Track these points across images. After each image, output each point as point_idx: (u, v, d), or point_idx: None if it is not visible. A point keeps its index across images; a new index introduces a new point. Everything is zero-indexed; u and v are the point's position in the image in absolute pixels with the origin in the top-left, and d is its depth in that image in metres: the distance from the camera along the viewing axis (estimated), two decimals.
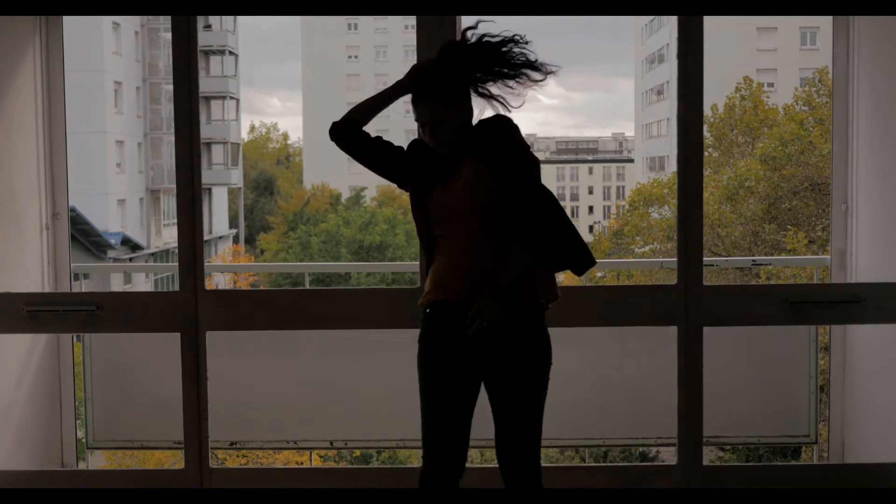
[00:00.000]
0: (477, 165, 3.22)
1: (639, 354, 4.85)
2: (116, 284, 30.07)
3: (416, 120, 3.28)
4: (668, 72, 46.65)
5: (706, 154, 21.41)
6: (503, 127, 3.25)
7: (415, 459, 10.62)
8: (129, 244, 31.77)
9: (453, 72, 3.24)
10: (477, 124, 3.30)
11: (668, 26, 45.59)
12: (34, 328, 4.59)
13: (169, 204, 36.71)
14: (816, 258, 5.86)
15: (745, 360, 4.87)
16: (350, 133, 3.31)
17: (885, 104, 4.66)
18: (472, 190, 3.21)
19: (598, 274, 19.10)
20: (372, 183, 48.98)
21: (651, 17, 48.65)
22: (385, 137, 3.38)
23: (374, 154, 3.34)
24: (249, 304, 4.64)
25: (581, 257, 3.36)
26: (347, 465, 12.68)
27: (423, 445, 3.31)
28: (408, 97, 3.34)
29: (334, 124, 3.33)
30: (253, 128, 63.88)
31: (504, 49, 3.26)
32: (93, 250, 26.56)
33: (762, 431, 4.95)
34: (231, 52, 42.26)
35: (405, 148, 3.41)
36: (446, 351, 3.25)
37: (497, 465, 3.36)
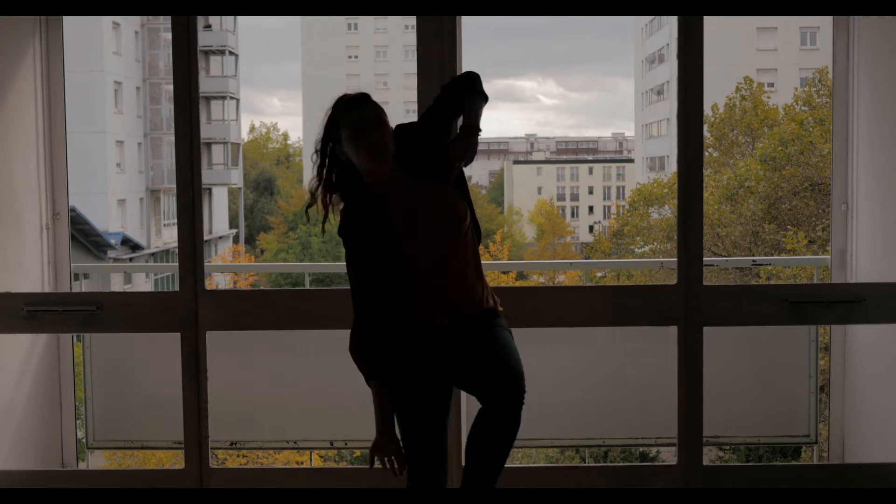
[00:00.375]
0: (437, 184, 3.23)
1: (639, 354, 4.85)
2: (116, 284, 30.07)
3: (353, 126, 3.14)
4: (668, 72, 46.67)
5: (706, 154, 21.40)
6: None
7: None
8: (129, 244, 31.77)
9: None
10: (403, 144, 3.26)
11: (668, 26, 45.60)
12: (34, 328, 4.59)
13: (169, 204, 36.72)
14: (816, 258, 5.86)
15: (745, 360, 4.87)
16: (374, 329, 3.17)
17: (885, 104, 4.66)
18: (448, 209, 3.22)
19: (599, 274, 19.13)
20: None
21: (651, 17, 48.65)
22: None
23: (389, 277, 3.18)
24: (249, 304, 4.63)
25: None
26: (347, 465, 12.68)
27: (407, 462, 3.27)
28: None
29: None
30: (253, 128, 63.95)
31: None
32: (93, 250, 26.56)
33: (762, 431, 4.95)
34: (231, 52, 42.25)
35: (365, 251, 3.18)
36: (422, 372, 3.22)
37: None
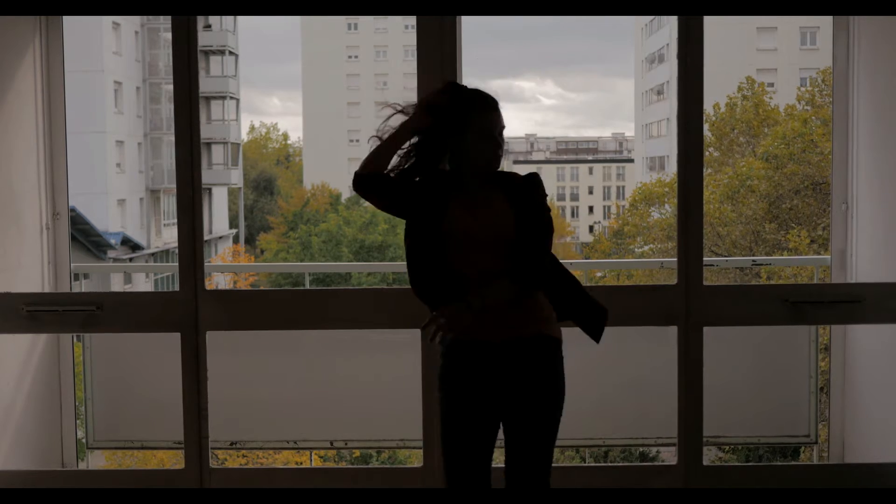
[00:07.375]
0: (504, 203, 3.18)
1: (639, 354, 4.85)
2: (116, 284, 30.07)
3: (482, 130, 3.16)
4: (668, 72, 46.66)
5: (707, 153, 21.39)
6: (539, 184, 3.25)
7: (415, 459, 10.62)
8: (129, 244, 31.77)
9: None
10: (511, 173, 3.26)
11: (668, 26, 45.60)
12: (34, 328, 4.59)
13: (169, 204, 36.72)
14: (816, 258, 5.86)
15: (745, 360, 4.87)
16: (375, 181, 3.19)
17: (885, 104, 4.66)
18: (502, 222, 3.16)
19: (598, 274, 19.12)
20: None
21: (651, 17, 48.66)
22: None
23: (393, 195, 3.23)
24: (249, 304, 4.64)
25: (594, 320, 3.44)
26: (347, 465, 12.68)
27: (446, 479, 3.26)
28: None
29: (358, 176, 3.20)
30: (253, 128, 63.96)
31: None
32: (93, 250, 26.56)
33: (762, 431, 4.95)
34: (231, 52, 42.25)
35: (415, 180, 3.27)
36: (467, 393, 3.20)
37: (497, 466, 3.36)
